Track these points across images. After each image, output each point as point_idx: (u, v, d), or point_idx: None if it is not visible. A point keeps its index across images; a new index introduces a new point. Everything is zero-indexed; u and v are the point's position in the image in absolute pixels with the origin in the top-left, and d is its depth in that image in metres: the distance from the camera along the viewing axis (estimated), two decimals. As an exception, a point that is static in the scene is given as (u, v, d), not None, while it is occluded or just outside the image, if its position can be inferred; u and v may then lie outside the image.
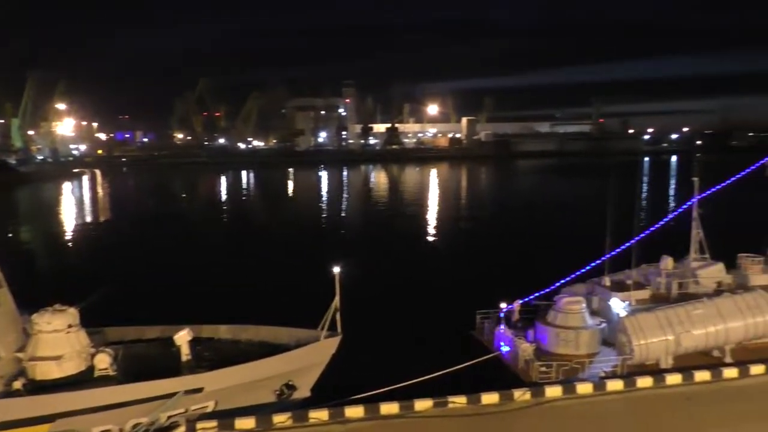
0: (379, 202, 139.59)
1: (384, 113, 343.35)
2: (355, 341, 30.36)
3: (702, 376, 29.50)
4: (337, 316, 28.89)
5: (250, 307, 39.42)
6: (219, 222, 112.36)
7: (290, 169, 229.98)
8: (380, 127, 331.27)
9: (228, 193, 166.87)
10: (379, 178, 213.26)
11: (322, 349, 29.01)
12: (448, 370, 29.12)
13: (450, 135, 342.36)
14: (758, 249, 39.64)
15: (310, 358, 28.80)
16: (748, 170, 39.77)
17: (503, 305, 35.57)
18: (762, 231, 42.04)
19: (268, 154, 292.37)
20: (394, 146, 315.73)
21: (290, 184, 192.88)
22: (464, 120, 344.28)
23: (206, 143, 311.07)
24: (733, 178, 38.89)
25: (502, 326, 34.48)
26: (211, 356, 28.18)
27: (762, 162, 41.49)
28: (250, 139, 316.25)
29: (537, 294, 36.19)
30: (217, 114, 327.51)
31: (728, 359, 31.61)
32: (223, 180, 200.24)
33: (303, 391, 29.12)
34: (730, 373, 29.84)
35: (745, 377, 29.76)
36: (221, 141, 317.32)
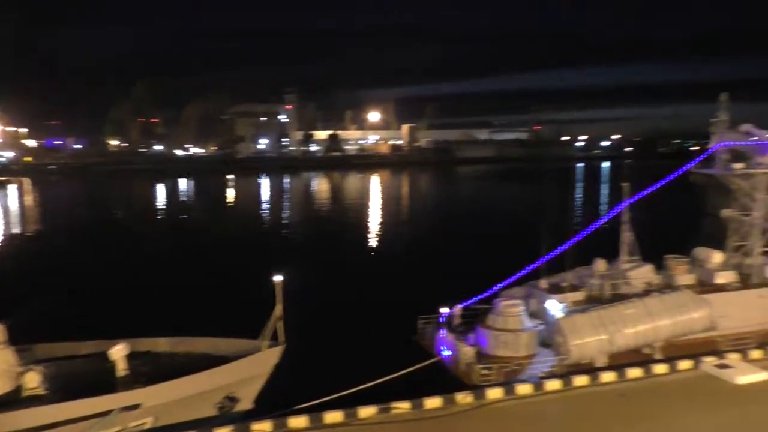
0: (321, 210, 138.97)
1: (326, 120, 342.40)
2: (298, 350, 30.07)
3: (634, 372, 30.72)
4: (280, 326, 28.55)
5: (190, 319, 38.52)
6: (155, 231, 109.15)
7: (230, 177, 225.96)
8: (322, 134, 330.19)
9: (165, 202, 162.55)
10: (320, 186, 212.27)
11: (264, 360, 28.59)
12: (391, 377, 29.24)
13: (391, 142, 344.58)
14: (683, 250, 41.53)
15: (252, 369, 28.33)
16: (673, 175, 41.61)
17: (444, 310, 35.96)
18: (687, 233, 44.17)
19: (207, 161, 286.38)
20: (335, 153, 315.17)
21: (230, 192, 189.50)
22: (405, 127, 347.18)
23: (142, 150, 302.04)
24: (659, 183, 40.60)
25: (444, 331, 34.86)
26: (149, 371, 27.31)
27: (686, 168, 43.53)
28: (188, 145, 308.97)
29: (477, 298, 36.76)
30: (153, 120, 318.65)
31: (658, 356, 32.93)
32: (160, 188, 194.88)
33: (245, 403, 28.61)
34: (660, 369, 31.20)
35: (674, 372, 31.19)
36: (158, 147, 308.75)
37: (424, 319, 37.54)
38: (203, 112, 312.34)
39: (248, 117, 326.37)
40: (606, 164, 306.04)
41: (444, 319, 35.81)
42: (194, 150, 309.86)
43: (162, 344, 30.07)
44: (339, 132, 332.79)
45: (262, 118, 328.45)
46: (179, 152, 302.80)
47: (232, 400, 28.02)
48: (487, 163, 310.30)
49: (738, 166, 40.54)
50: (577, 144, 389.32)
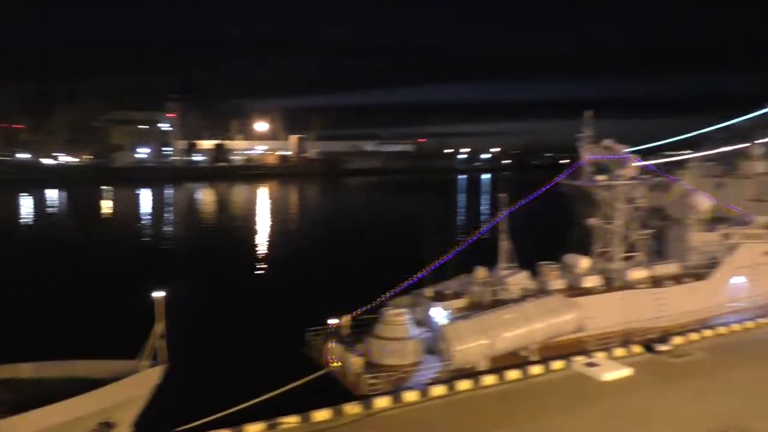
0: (206, 222, 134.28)
1: (211, 129, 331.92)
2: (181, 369, 28.74)
3: (513, 374, 32.27)
4: (161, 344, 27.17)
5: (63, 342, 35.64)
6: (20, 246, 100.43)
7: (106, 187, 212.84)
8: (207, 144, 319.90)
9: (30, 214, 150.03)
10: (206, 197, 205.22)
11: (143, 381, 27.02)
12: (279, 391, 28.71)
13: (279, 152, 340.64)
14: (555, 257, 44.27)
15: (130, 391, 26.67)
16: (545, 187, 44.30)
17: (333, 321, 35.93)
18: (558, 241, 47.09)
19: (80, 170, 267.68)
20: (221, 163, 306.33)
21: (106, 204, 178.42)
22: (293, 138, 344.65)
23: (5, 158, 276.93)
24: (534, 195, 43.07)
25: (332, 342, 34.79)
26: (11, 399, 24.91)
27: (556, 180, 46.56)
28: (57, 153, 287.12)
29: (365, 308, 37.06)
30: (17, 126, 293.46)
31: (534, 357, 34.76)
32: (25, 199, 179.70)
33: (123, 428, 26.85)
34: (536, 369, 33.00)
35: (548, 372, 33.09)
36: (23, 156, 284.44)
37: (312, 331, 37.29)
38: (74, 119, 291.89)
39: (125, 125, 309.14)
40: (486, 176, 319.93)
41: (332, 331, 35.75)
42: (65, 159, 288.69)
43: (26, 370, 27.55)
44: (225, 142, 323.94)
45: (141, 126, 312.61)
46: (47, 161, 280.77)
47: (108, 425, 26.21)
48: (374, 175, 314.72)
49: (601, 178, 43.90)
50: (460, 156, 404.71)
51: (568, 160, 47.70)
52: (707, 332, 39.26)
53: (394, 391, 29.76)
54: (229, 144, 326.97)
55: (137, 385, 26.77)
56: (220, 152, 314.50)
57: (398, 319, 34.57)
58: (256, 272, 78.23)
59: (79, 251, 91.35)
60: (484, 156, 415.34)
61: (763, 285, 46.04)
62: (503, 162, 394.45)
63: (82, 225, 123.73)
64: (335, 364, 33.54)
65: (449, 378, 31.60)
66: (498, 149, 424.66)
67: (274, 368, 34.13)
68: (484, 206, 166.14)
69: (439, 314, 36.15)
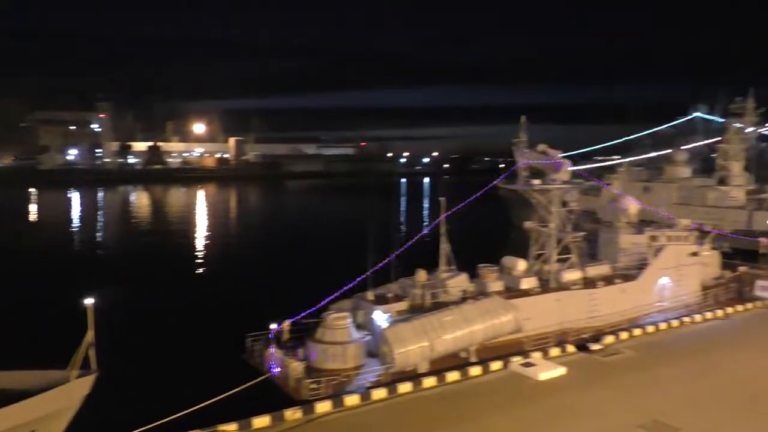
0: (140, 226, 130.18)
1: (145, 131, 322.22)
2: (114, 377, 27.88)
3: (453, 376, 32.78)
4: (92, 353, 26.23)
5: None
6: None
7: (33, 190, 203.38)
8: (141, 146, 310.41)
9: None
10: (140, 200, 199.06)
11: (72, 391, 26.01)
12: (217, 398, 28.19)
13: (218, 155, 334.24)
14: (494, 259, 45.25)
15: (58, 401, 25.62)
16: (483, 191, 45.30)
17: (273, 326, 35.59)
18: (496, 243, 48.28)
19: (3, 173, 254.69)
20: (156, 166, 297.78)
21: (33, 208, 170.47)
22: (232, 140, 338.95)
23: None
24: (472, 198, 43.93)
25: (273, 347, 34.46)
26: None
27: (493, 184, 47.72)
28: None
29: (306, 312, 36.88)
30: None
31: (473, 359, 35.41)
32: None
33: (51, 441, 25.78)
34: (475, 371, 33.63)
35: (487, 373, 33.79)
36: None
37: (252, 336, 36.82)
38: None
39: (53, 125, 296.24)
40: (426, 180, 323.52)
41: (273, 336, 35.40)
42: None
43: None
44: (160, 143, 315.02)
45: (71, 127, 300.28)
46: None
47: (35, 439, 25.10)
48: (315, 178, 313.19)
49: (536, 182, 45.20)
50: (401, 160, 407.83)
51: (504, 165, 48.96)
52: (636, 331, 40.98)
53: (335, 396, 29.74)
54: (165, 146, 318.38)
55: (66, 395, 25.77)
56: (155, 154, 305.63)
57: (339, 323, 34.59)
58: (193, 277, 76.48)
59: (3, 257, 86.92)
60: (424, 160, 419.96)
61: (687, 285, 48.46)
62: (443, 166, 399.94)
63: (5, 230, 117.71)
64: (276, 369, 33.22)
65: (390, 381, 31.81)
66: (437, 153, 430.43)
67: (212, 375, 33.51)
68: (425, 209, 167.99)
69: (380, 317, 36.36)
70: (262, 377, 32.31)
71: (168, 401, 27.44)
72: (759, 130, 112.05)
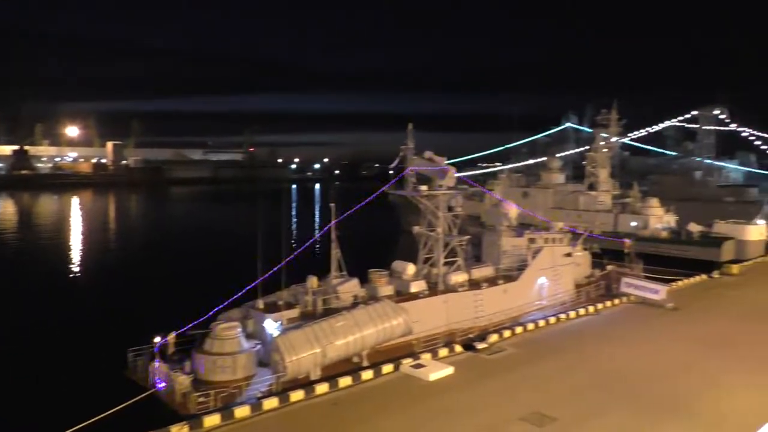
0: (4, 238, 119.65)
1: (10, 134, 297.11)
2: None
3: (345, 381, 32.88)
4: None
5: None
6: None
7: None
8: (5, 150, 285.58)
9: None
10: (4, 209, 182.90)
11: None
12: (98, 417, 26.54)
13: (94, 160, 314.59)
14: (384, 264, 45.97)
15: None
16: (372, 196, 45.87)
17: (157, 339, 34.02)
18: (387, 248, 49.08)
19: None
20: (23, 171, 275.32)
21: None
22: (110, 144, 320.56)
23: None
24: (362, 203, 44.34)
25: (157, 361, 32.92)
26: None
27: (382, 190, 48.53)
28: None
29: (193, 323, 35.58)
30: None
31: (365, 363, 35.73)
32: None
33: None
34: (367, 375, 33.93)
35: (379, 376, 34.22)
36: None
37: (135, 350, 34.99)
38: None
39: None
40: (317, 186, 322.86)
41: (157, 349, 33.81)
42: None
43: None
44: (28, 147, 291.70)
45: None
46: None
47: None
48: (201, 184, 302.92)
49: (423, 188, 46.52)
50: (291, 166, 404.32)
51: (393, 171, 49.94)
52: (518, 329, 43.15)
53: (225, 408, 28.91)
54: (34, 150, 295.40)
55: None
56: (21, 159, 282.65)
57: (228, 333, 33.69)
58: (68, 292, 71.36)
59: None
60: (315, 166, 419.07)
61: (562, 284, 51.76)
62: (334, 172, 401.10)
63: None
64: (161, 384, 31.76)
65: (282, 390, 31.39)
66: (328, 159, 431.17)
67: (92, 393, 31.56)
68: (316, 216, 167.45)
69: (270, 326, 35.80)
70: (146, 393, 30.78)
71: (45, 423, 25.55)
72: (622, 140, 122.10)
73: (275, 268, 38.82)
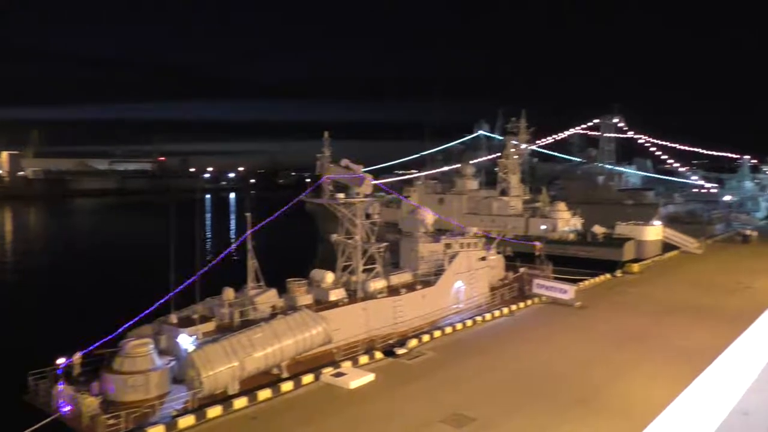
0: None
1: None
2: None
3: (264, 394, 32.21)
4: None
5: None
6: None
7: None
8: None
9: None
10: None
11: None
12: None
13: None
14: (303, 273, 45.53)
15: None
16: (288, 205, 45.35)
17: (61, 360, 32.04)
18: (305, 257, 48.64)
19: None
20: None
21: None
22: (4, 154, 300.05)
23: None
24: (279, 212, 43.77)
25: (61, 383, 31.00)
26: None
27: (299, 198, 48.12)
28: None
29: (100, 342, 33.77)
30: None
31: (285, 374, 35.18)
32: None
33: None
34: (287, 386, 33.41)
35: (299, 387, 33.76)
36: None
37: (35, 374, 32.75)
38: None
39: None
40: (233, 195, 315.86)
41: (61, 371, 31.84)
42: None
43: None
44: None
45: None
46: None
47: None
48: (108, 196, 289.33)
49: (341, 196, 46.49)
50: (205, 176, 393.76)
51: (310, 179, 49.78)
52: (436, 333, 43.85)
53: (137, 429, 27.60)
54: None
55: None
56: None
57: (140, 350, 32.22)
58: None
59: None
60: (230, 175, 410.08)
61: (478, 287, 53.16)
62: (250, 181, 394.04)
63: None
64: (66, 408, 29.91)
65: (198, 406, 30.34)
66: (243, 168, 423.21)
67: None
68: (232, 226, 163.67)
69: (185, 340, 34.56)
70: (50, 418, 28.93)
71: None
72: (531, 147, 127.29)
73: (189, 281, 37.58)
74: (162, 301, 36.38)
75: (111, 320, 34.99)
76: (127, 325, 35.33)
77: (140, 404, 29.96)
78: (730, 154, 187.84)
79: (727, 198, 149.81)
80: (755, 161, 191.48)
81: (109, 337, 33.98)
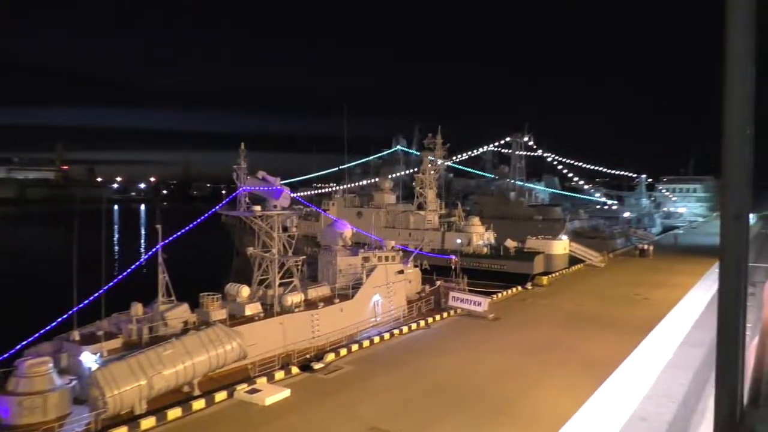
0: None
1: None
2: None
3: (174, 413, 30.81)
4: None
5: None
6: None
7: None
8: None
9: None
10: None
11: None
12: None
13: None
14: (217, 287, 44.18)
15: None
16: (203, 217, 44.04)
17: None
18: (219, 271, 47.25)
19: None
20: None
21: None
22: None
23: None
24: (191, 225, 42.37)
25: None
26: None
27: (213, 210, 46.78)
28: None
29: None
30: None
31: (197, 392, 33.85)
32: None
33: None
34: (198, 404, 32.14)
35: (212, 405, 32.56)
36: None
37: None
38: None
39: None
40: (143, 207, 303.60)
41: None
42: None
43: None
44: None
45: None
46: None
47: None
48: (4, 206, 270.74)
49: (257, 208, 45.61)
50: (113, 186, 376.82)
51: (225, 191, 48.60)
52: (354, 347, 43.61)
53: (33, 455, 25.66)
54: None
55: None
56: None
57: (37, 369, 30.05)
58: None
59: None
60: (141, 185, 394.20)
61: (395, 300, 53.48)
62: (162, 192, 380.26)
63: None
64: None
65: (102, 428, 28.62)
66: (155, 179, 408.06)
67: None
68: (142, 239, 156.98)
69: (88, 358, 32.60)
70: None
71: None
72: (447, 163, 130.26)
73: (94, 296, 35.58)
74: (64, 317, 34.24)
75: (6, 338, 32.55)
76: (24, 344, 32.97)
77: (37, 427, 27.94)
78: (628, 173, 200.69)
79: (626, 214, 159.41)
80: (650, 180, 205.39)
81: (4, 356, 31.58)
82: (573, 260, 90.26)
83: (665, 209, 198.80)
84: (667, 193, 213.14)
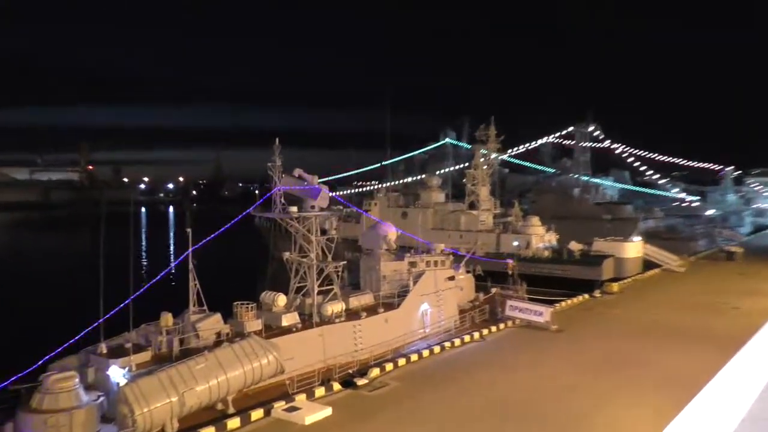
0: None
1: None
2: None
3: (207, 432, 31.38)
4: None
5: None
6: None
7: None
8: None
9: None
10: None
11: None
12: None
13: None
14: (252, 296, 44.67)
15: None
16: (234, 220, 44.52)
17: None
18: (253, 278, 47.86)
19: None
20: None
21: None
22: None
23: None
24: (225, 227, 42.94)
25: (-30, 426, 29.60)
26: None
27: (246, 212, 47.33)
28: None
29: (16, 377, 32.43)
30: None
31: (231, 410, 34.34)
32: None
33: None
34: (234, 423, 32.60)
35: (247, 424, 33.00)
36: None
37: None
38: None
39: None
40: (171, 209, 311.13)
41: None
42: None
43: None
44: None
45: None
46: None
47: None
48: (28, 209, 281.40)
49: (294, 209, 45.93)
50: (140, 187, 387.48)
51: (258, 191, 49.14)
52: (401, 361, 43.56)
53: (59, 476, 26.47)
54: None
55: None
56: None
57: (63, 384, 30.91)
58: None
59: None
60: (169, 186, 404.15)
61: (445, 309, 53.15)
62: (191, 193, 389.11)
63: None
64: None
65: (131, 448, 29.33)
66: (183, 179, 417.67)
67: None
68: (171, 243, 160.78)
69: (116, 373, 33.46)
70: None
71: None
72: (501, 157, 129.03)
73: (121, 306, 36.47)
74: (90, 328, 35.19)
75: (29, 351, 33.72)
76: (48, 357, 34.07)
77: (63, 447, 28.78)
78: (712, 165, 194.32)
79: (709, 212, 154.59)
80: (739, 172, 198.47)
81: (27, 370, 32.68)
82: (648, 265, 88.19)
83: (756, 206, 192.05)
84: (759, 188, 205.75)
